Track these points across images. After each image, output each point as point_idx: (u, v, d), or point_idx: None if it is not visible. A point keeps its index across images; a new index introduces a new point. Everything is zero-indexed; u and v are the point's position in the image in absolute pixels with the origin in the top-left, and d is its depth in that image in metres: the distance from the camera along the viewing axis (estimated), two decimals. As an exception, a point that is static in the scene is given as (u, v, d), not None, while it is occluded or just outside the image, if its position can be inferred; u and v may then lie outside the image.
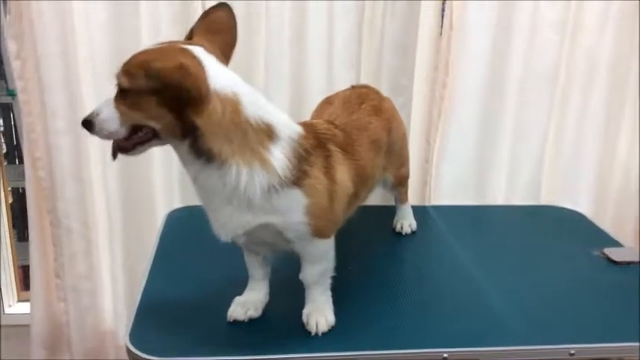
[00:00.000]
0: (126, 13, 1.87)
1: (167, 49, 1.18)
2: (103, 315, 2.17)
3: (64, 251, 2.06)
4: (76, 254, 2.07)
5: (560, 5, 1.99)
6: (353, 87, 1.75)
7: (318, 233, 1.30)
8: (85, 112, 1.88)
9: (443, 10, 1.99)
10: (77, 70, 1.90)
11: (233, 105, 1.16)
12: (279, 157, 1.20)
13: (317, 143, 1.29)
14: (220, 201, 1.23)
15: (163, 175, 2.05)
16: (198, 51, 1.18)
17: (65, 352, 2.21)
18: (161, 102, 1.13)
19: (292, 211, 1.25)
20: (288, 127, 1.24)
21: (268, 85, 1.97)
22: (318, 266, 1.35)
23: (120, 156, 2.00)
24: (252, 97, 1.20)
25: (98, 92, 1.94)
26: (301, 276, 1.37)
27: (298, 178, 1.23)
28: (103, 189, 2.04)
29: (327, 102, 1.68)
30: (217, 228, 1.29)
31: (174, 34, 1.91)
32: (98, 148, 1.99)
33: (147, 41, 1.89)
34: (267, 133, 1.19)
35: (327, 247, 1.35)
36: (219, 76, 1.16)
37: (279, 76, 1.97)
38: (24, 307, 2.34)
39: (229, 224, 1.26)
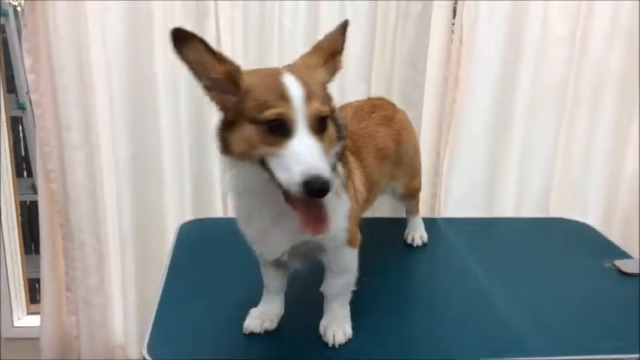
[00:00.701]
0: (141, 28, 1.90)
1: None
2: (114, 329, 2.18)
3: (75, 265, 2.07)
4: (88, 268, 2.08)
5: (569, 21, 2.01)
6: (369, 98, 1.78)
7: (351, 240, 1.32)
8: (99, 126, 1.95)
9: (453, 25, 2.02)
10: (92, 84, 1.93)
11: None
12: (338, 167, 1.22)
13: None
14: (278, 218, 1.21)
15: (175, 188, 2.07)
16: None
17: (75, 365, 2.21)
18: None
19: (339, 216, 1.25)
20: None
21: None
22: (343, 278, 1.36)
23: (130, 169, 2.02)
24: None
25: (113, 107, 1.96)
26: (323, 288, 1.37)
27: (345, 183, 1.25)
28: (115, 203, 2.06)
29: (340, 109, 1.69)
30: (265, 249, 1.29)
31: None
32: (111, 161, 2.01)
33: (160, 58, 1.92)
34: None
35: (353, 258, 1.36)
36: None
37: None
38: (33, 320, 2.34)
39: (280, 242, 1.25)
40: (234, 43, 1.96)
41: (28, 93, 2.00)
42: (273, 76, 1.10)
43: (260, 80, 1.10)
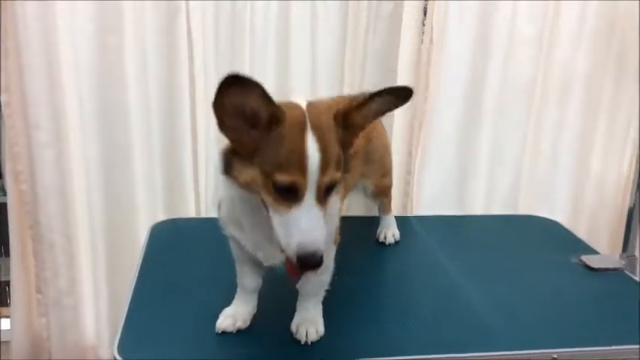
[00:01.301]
0: (111, 26, 1.88)
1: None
2: (85, 330, 2.15)
3: (46, 266, 2.05)
4: (59, 269, 2.05)
5: (536, 21, 2.05)
6: (339, 97, 1.79)
7: (336, 237, 1.35)
8: (69, 125, 1.93)
9: (423, 25, 2.04)
10: (61, 83, 1.90)
11: None
12: None
13: None
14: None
15: (146, 187, 2.05)
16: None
17: (46, 368, 2.19)
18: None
19: (334, 217, 1.28)
20: None
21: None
22: (321, 276, 1.37)
23: (100, 168, 2.00)
24: None
25: (82, 106, 1.94)
26: (300, 285, 1.38)
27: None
28: (86, 202, 2.03)
29: (310, 106, 1.70)
30: (264, 255, 1.29)
31: (158, 48, 1.93)
32: (81, 161, 1.99)
33: (130, 56, 1.91)
34: None
35: (332, 256, 1.38)
36: None
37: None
38: (3, 324, 2.30)
39: (275, 247, 1.21)
40: (205, 41, 1.95)
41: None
42: (298, 130, 1.05)
43: (291, 137, 1.05)
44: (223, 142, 1.13)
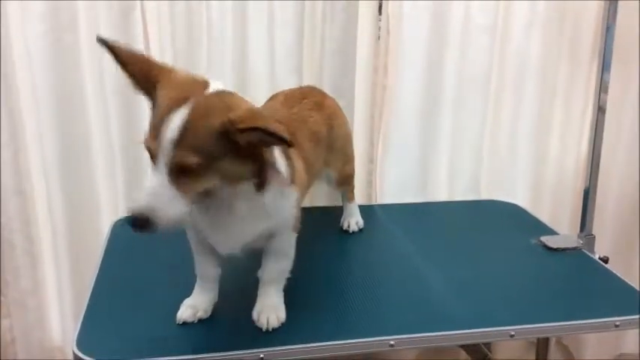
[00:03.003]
0: (65, 23, 1.86)
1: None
2: (51, 331, 2.12)
3: (6, 267, 2.01)
4: (20, 269, 2.02)
5: (490, 10, 2.08)
6: (300, 87, 1.82)
7: (296, 225, 1.36)
8: (25, 124, 1.90)
9: (380, 15, 2.05)
10: (15, 83, 1.87)
11: None
12: (281, 161, 1.24)
13: None
14: (234, 220, 1.23)
15: (107, 185, 2.03)
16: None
17: (12, 370, 2.15)
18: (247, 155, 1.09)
19: (290, 207, 1.31)
20: None
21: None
22: (281, 263, 1.39)
23: (59, 166, 1.98)
24: None
25: (38, 104, 1.91)
26: (260, 272, 1.39)
27: (291, 175, 1.28)
28: (45, 202, 2.00)
29: (271, 98, 1.75)
30: (222, 246, 1.31)
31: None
32: (39, 160, 1.96)
33: (86, 53, 1.89)
34: None
35: (293, 243, 1.40)
36: None
37: (222, 81, 1.97)
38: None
39: (238, 238, 1.28)
40: (161, 37, 1.94)
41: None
42: (175, 100, 1.06)
43: (163, 99, 1.08)
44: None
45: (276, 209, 1.27)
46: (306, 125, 1.57)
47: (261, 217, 1.26)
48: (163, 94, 1.09)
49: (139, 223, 1.03)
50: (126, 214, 1.05)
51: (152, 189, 1.05)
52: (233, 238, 1.29)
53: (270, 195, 1.21)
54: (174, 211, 1.05)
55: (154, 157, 1.06)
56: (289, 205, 1.32)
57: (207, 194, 1.11)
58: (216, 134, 1.04)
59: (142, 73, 1.13)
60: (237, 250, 1.31)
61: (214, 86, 1.13)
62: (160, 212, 1.04)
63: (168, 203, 1.04)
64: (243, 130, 1.03)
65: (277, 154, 1.23)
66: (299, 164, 1.38)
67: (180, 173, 1.05)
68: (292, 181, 1.30)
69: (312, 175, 1.54)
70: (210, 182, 1.09)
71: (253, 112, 1.09)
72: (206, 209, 1.21)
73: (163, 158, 1.04)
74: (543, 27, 2.14)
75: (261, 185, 1.17)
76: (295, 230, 1.39)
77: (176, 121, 1.03)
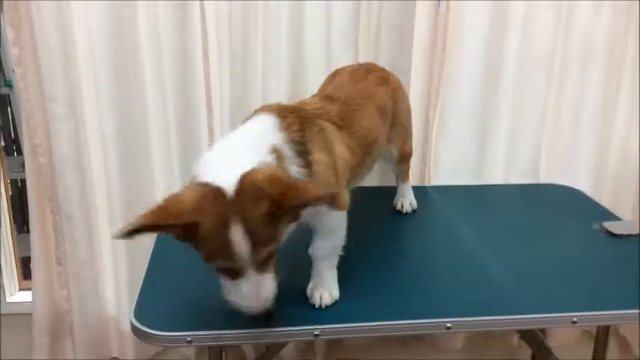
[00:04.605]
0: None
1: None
2: (106, 302, 2.18)
3: (65, 238, 2.06)
4: (78, 241, 2.07)
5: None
6: (360, 64, 1.80)
7: (339, 203, 1.34)
8: (84, 98, 1.93)
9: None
10: (76, 56, 1.90)
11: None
12: (295, 170, 1.23)
13: (302, 123, 1.29)
14: None
15: (162, 159, 2.05)
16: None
17: (67, 339, 2.21)
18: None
19: (327, 179, 1.31)
20: (267, 142, 1.22)
21: (267, 67, 1.97)
22: (331, 240, 1.37)
23: (116, 141, 2.01)
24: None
25: (97, 79, 1.94)
26: (311, 250, 1.38)
27: (309, 173, 1.25)
28: (103, 175, 2.04)
29: (336, 73, 1.73)
30: None
31: (171, 20, 1.92)
32: (97, 133, 2.00)
33: (144, 28, 1.90)
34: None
35: (340, 222, 1.37)
36: None
37: (279, 59, 1.97)
38: (26, 296, 2.34)
39: None
40: (218, 12, 1.93)
41: (14, 70, 1.96)
42: (220, 226, 1.09)
43: (210, 232, 1.10)
44: (238, 118, 1.16)
45: None
46: (372, 100, 1.56)
47: None
48: (203, 228, 1.10)
49: (262, 318, 1.19)
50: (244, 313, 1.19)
51: (256, 291, 1.16)
52: None
53: None
54: (274, 288, 1.19)
55: (238, 272, 1.15)
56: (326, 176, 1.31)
57: None
58: (269, 218, 1.11)
59: (174, 229, 1.13)
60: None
61: (224, 184, 1.11)
62: (269, 300, 1.18)
63: (269, 289, 1.18)
64: (289, 208, 1.11)
65: (291, 154, 1.23)
66: (339, 145, 1.36)
67: (262, 263, 1.15)
68: (309, 176, 1.26)
69: (370, 153, 1.53)
70: (279, 243, 1.18)
71: (289, 187, 1.12)
72: None
73: (248, 267, 1.14)
74: (611, 4, 2.04)
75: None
76: (341, 208, 1.36)
77: (238, 236, 1.09)
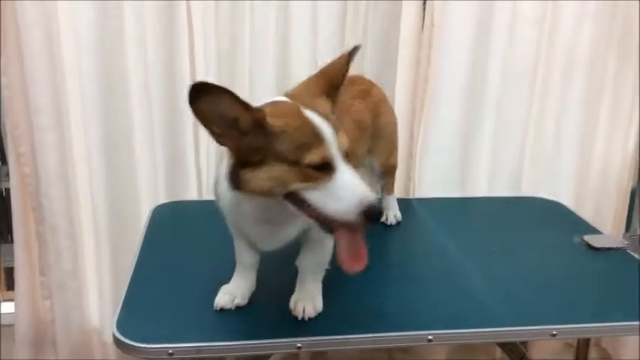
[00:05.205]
0: (111, 6, 1.88)
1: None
2: (89, 313, 2.16)
3: (49, 249, 2.06)
4: (62, 252, 2.06)
5: (539, 3, 2.03)
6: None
7: None
8: (70, 108, 1.93)
9: (424, 5, 2.02)
10: (62, 66, 1.91)
11: None
12: None
13: None
14: (286, 221, 1.25)
15: (148, 170, 2.06)
16: None
17: (50, 350, 2.20)
18: None
19: None
20: None
21: (253, 78, 1.99)
22: (319, 253, 1.38)
23: (102, 152, 2.01)
24: None
25: (83, 89, 1.94)
26: (298, 262, 1.39)
27: None
28: (87, 186, 2.04)
29: None
30: (267, 244, 1.32)
31: (158, 30, 1.93)
32: (82, 144, 1.99)
33: (131, 38, 1.91)
34: None
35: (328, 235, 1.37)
36: None
37: (264, 71, 1.99)
38: (8, 307, 2.31)
39: (284, 237, 1.30)
40: (205, 21, 1.95)
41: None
42: (297, 115, 1.11)
43: (289, 122, 1.10)
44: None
45: None
46: (347, 115, 1.56)
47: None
48: (281, 121, 1.09)
49: (377, 211, 1.09)
50: (360, 212, 1.07)
51: (361, 184, 1.09)
52: (278, 239, 1.31)
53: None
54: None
55: (331, 161, 1.09)
56: None
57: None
58: (330, 107, 1.18)
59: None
60: (279, 247, 1.32)
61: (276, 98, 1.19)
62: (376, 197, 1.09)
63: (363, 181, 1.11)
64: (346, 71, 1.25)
65: None
66: None
67: (345, 156, 1.12)
68: None
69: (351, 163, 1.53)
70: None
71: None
72: (259, 222, 1.25)
73: (337, 157, 1.10)
74: (593, 20, 2.08)
75: None
76: None
77: (320, 121, 1.10)
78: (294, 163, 1.08)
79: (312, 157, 1.08)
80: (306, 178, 1.09)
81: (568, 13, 2.08)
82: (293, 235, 1.31)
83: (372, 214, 1.07)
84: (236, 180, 1.13)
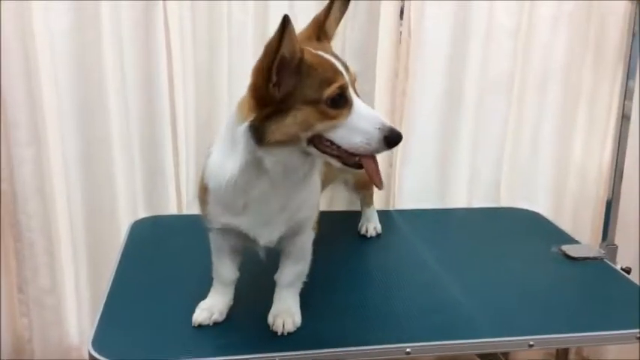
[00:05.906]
0: (88, 20, 1.87)
1: None
2: (68, 330, 2.14)
3: (27, 265, 2.03)
4: (39, 268, 2.04)
5: (514, 12, 2.05)
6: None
7: (314, 223, 1.38)
8: (47, 124, 1.92)
9: (401, 17, 2.04)
10: (39, 81, 1.89)
11: None
12: None
13: None
14: (285, 202, 1.27)
15: (127, 185, 2.04)
16: None
17: (29, 368, 2.17)
18: None
19: (316, 195, 1.37)
20: None
21: (232, 89, 1.98)
22: (299, 266, 1.39)
23: (79, 166, 2.00)
24: None
25: (61, 103, 1.93)
26: (278, 275, 1.40)
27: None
28: (66, 201, 2.02)
29: None
30: (263, 233, 1.31)
31: (136, 43, 1.93)
32: (60, 159, 1.98)
33: (108, 51, 1.90)
34: None
35: (310, 244, 1.40)
36: None
37: (243, 80, 1.97)
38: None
39: (279, 225, 1.30)
40: (183, 33, 1.95)
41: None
42: (317, 55, 1.17)
43: (314, 60, 1.16)
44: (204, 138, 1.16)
45: (309, 192, 1.32)
46: None
47: (296, 205, 1.29)
48: (311, 58, 1.16)
49: (401, 135, 1.14)
50: (383, 137, 1.13)
51: (376, 112, 1.17)
52: (274, 227, 1.30)
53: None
54: None
55: (347, 93, 1.15)
56: (316, 194, 1.37)
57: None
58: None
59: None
60: (276, 239, 1.31)
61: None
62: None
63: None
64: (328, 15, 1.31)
65: None
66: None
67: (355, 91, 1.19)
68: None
69: (326, 181, 1.53)
70: None
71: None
72: (260, 202, 1.25)
73: (352, 87, 1.17)
74: (568, 30, 2.11)
75: None
76: (314, 229, 1.40)
77: (332, 57, 1.18)
78: (316, 102, 1.13)
79: (332, 89, 1.13)
80: (328, 117, 1.13)
81: (544, 24, 2.10)
82: (288, 223, 1.30)
83: (393, 138, 1.13)
84: (261, 134, 1.15)
